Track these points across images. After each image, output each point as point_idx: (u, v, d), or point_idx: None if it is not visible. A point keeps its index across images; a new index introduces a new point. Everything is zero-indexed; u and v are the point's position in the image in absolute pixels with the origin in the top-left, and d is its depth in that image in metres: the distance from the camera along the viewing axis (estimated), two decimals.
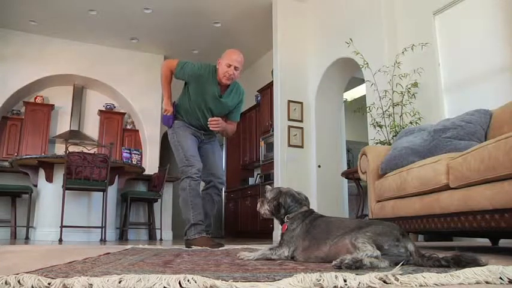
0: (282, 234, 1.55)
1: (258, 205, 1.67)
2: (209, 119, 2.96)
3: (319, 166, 5.61)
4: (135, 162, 7.28)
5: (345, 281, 0.88)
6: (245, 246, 2.89)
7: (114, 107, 7.98)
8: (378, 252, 1.18)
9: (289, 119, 5.71)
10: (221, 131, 3.07)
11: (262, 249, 1.56)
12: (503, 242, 3.03)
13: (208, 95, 2.97)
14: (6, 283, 0.83)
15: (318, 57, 5.78)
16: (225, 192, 7.91)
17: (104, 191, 4.70)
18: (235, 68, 2.94)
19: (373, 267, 1.13)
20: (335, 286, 0.86)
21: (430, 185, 2.19)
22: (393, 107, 4.15)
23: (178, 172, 2.95)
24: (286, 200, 1.57)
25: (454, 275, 0.96)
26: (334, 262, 1.17)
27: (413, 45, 4.10)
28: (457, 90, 3.95)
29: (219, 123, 2.97)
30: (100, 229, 4.67)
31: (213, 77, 2.97)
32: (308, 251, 1.42)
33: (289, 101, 5.72)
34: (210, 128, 2.98)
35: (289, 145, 5.63)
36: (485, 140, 2.29)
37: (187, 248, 2.56)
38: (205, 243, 2.68)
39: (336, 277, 0.89)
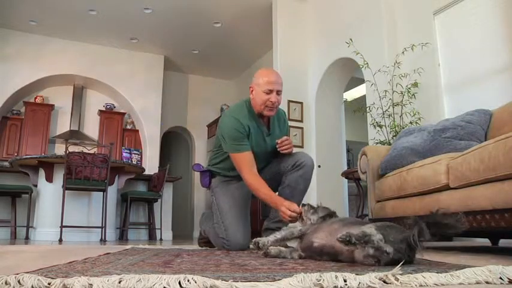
0: None
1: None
2: (278, 142, 2.38)
3: (319, 166, 5.61)
4: (135, 162, 7.30)
5: (345, 281, 0.88)
6: None
7: (114, 107, 7.98)
8: (381, 236, 1.21)
9: (289, 119, 5.69)
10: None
11: None
12: (503, 242, 3.04)
13: (258, 143, 2.37)
14: (6, 283, 0.83)
15: (318, 57, 5.78)
16: None
17: (104, 191, 4.70)
18: (278, 93, 2.31)
19: (379, 248, 1.18)
20: (335, 286, 0.86)
21: (430, 185, 2.20)
22: (393, 107, 4.15)
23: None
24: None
25: (454, 275, 0.96)
26: (340, 235, 1.21)
27: (413, 45, 4.10)
28: (457, 90, 3.95)
29: (290, 143, 2.43)
30: (100, 229, 4.67)
31: (252, 118, 2.35)
32: (316, 230, 1.52)
33: (289, 101, 5.72)
34: (282, 152, 2.42)
35: None
36: (485, 140, 2.29)
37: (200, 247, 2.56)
38: None
39: (336, 277, 0.89)
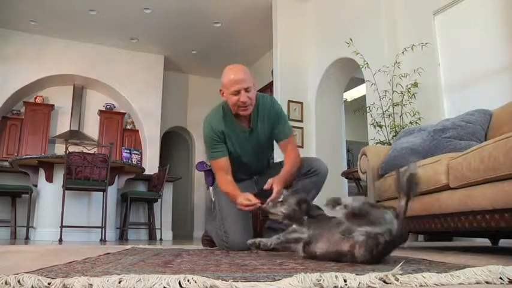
0: None
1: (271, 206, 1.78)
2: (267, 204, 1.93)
3: None
4: (135, 162, 7.30)
5: (345, 281, 0.88)
6: None
7: (114, 107, 7.99)
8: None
9: (289, 119, 5.68)
10: (287, 182, 2.23)
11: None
12: (503, 242, 3.03)
13: (240, 143, 2.33)
14: (6, 283, 0.83)
15: (318, 57, 5.78)
16: None
17: (104, 191, 4.70)
18: (246, 90, 2.15)
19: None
20: (335, 286, 0.86)
21: (430, 185, 2.19)
22: (393, 107, 4.15)
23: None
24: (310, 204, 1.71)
25: (454, 275, 0.96)
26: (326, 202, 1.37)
27: (413, 45, 4.10)
28: (457, 90, 3.95)
29: (278, 189, 2.02)
30: (100, 229, 4.68)
31: (229, 120, 2.29)
32: (317, 240, 1.51)
33: (289, 101, 5.72)
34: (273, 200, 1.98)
35: None
36: (485, 140, 2.29)
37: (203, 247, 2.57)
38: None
39: (336, 277, 0.89)
